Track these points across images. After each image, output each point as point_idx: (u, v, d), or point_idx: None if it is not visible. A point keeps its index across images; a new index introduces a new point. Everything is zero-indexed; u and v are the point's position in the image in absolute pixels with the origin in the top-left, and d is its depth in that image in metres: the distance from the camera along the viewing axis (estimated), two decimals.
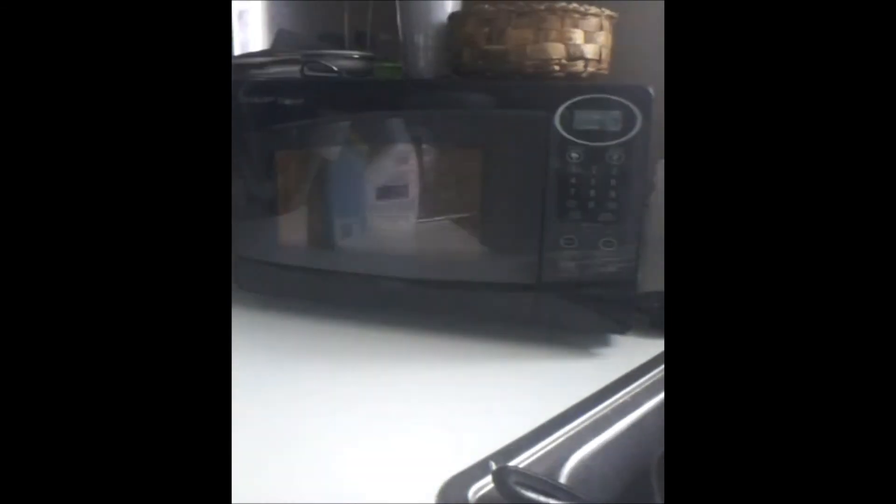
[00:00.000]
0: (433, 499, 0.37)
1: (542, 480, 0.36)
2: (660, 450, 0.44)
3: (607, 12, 0.59)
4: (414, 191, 0.61)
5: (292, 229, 0.65)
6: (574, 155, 0.54)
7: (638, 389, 0.50)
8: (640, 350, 0.57)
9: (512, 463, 0.39)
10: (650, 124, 0.52)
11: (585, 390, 0.49)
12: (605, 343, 0.59)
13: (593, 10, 0.58)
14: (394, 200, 0.62)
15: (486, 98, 0.57)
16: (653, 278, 0.65)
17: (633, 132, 0.52)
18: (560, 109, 0.53)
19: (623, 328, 0.56)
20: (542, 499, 0.34)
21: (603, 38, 0.60)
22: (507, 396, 0.50)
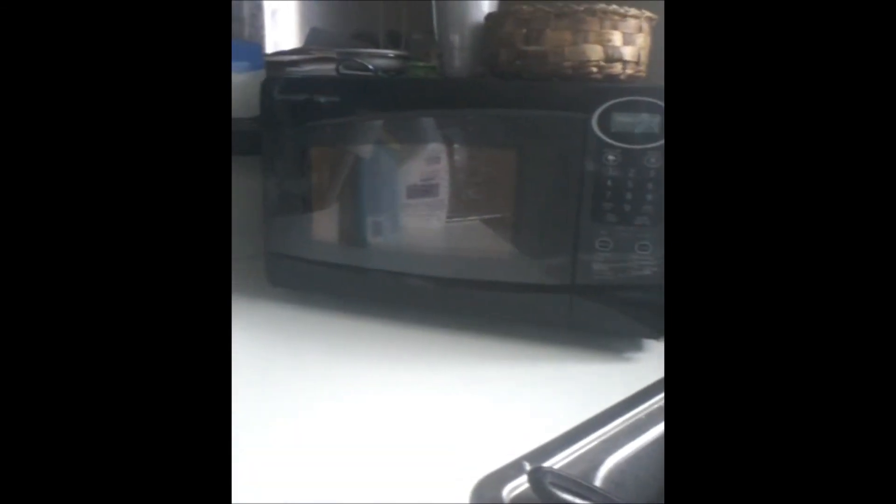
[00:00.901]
0: (467, 498, 0.37)
1: (577, 482, 0.36)
2: None
3: (647, 14, 0.58)
4: (446, 190, 0.61)
5: (324, 226, 0.66)
6: (611, 157, 0.53)
7: None
8: None
9: (546, 464, 0.39)
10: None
11: (618, 394, 0.48)
12: (638, 348, 0.58)
13: (632, 11, 0.57)
14: (425, 199, 0.62)
15: (523, 99, 0.56)
16: None
17: None
18: (598, 111, 0.53)
19: (657, 333, 0.56)
20: (578, 500, 0.34)
21: (641, 40, 0.59)
22: (539, 398, 0.50)
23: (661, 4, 0.59)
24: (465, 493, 0.37)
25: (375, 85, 0.65)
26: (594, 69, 0.57)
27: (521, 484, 0.37)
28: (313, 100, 0.62)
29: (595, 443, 0.42)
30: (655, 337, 0.56)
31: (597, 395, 0.48)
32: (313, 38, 0.89)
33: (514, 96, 0.57)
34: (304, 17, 1.04)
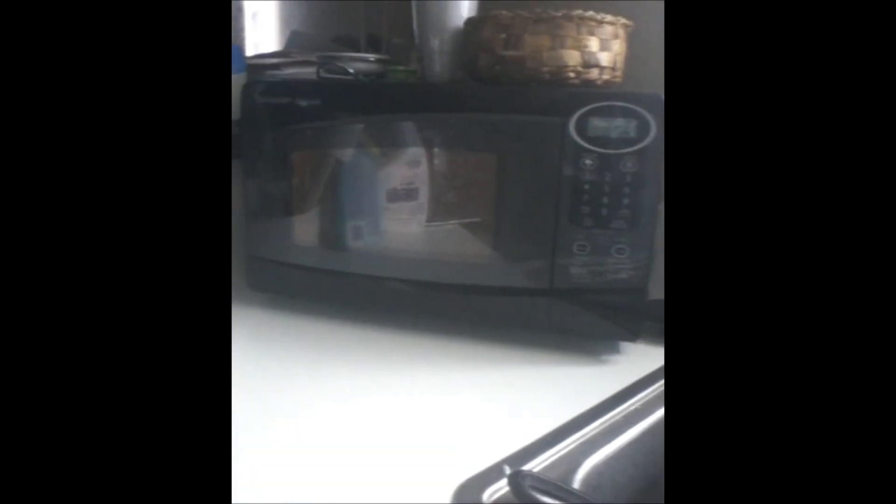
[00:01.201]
0: (448, 501, 0.37)
1: (557, 485, 0.36)
2: None
3: (622, 20, 0.59)
4: (425, 194, 0.62)
5: (305, 230, 0.65)
6: (588, 162, 0.54)
7: (649, 397, 0.50)
8: (649, 358, 0.57)
9: (526, 467, 0.39)
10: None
11: (595, 397, 0.49)
12: (615, 350, 0.59)
13: (609, 18, 0.58)
14: (405, 203, 0.62)
15: (502, 103, 0.57)
16: (663, 286, 0.65)
17: (648, 140, 0.53)
18: (575, 116, 0.54)
19: (633, 336, 0.57)
20: (556, 503, 0.34)
21: (618, 46, 0.60)
22: (517, 401, 0.50)
23: (638, 12, 0.60)
24: (446, 497, 0.37)
25: (356, 89, 0.65)
26: (572, 74, 0.58)
27: (501, 487, 0.37)
28: (294, 103, 0.62)
29: (573, 445, 0.43)
30: (632, 339, 0.57)
31: (575, 397, 0.49)
32: (294, 42, 0.89)
33: (493, 101, 0.57)
34: (285, 19, 1.03)
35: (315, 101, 0.61)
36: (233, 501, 0.33)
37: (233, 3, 0.96)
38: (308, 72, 0.73)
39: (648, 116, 0.52)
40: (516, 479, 0.35)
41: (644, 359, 0.57)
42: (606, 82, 0.60)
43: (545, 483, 0.36)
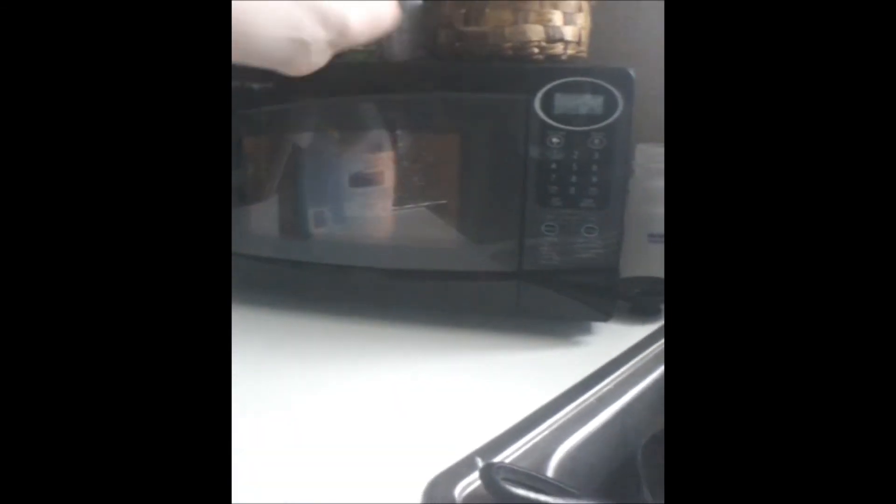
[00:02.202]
0: (419, 498, 0.35)
1: (530, 475, 0.35)
2: (646, 435, 0.44)
3: None
4: (389, 178, 0.59)
5: (262, 219, 0.63)
6: (555, 140, 0.52)
7: (622, 377, 0.49)
8: (622, 337, 0.56)
9: (499, 458, 0.38)
10: (632, 108, 0.51)
11: (569, 380, 0.48)
12: (587, 331, 0.58)
13: None
14: (368, 188, 0.60)
15: (464, 81, 0.55)
16: (633, 264, 0.64)
17: (615, 116, 0.51)
18: (540, 93, 0.52)
19: (605, 315, 0.56)
20: (531, 495, 0.33)
21: (581, 19, 0.58)
22: (489, 388, 0.49)
23: None
24: (416, 495, 0.36)
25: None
26: (535, 49, 0.56)
27: (473, 481, 0.36)
28: (245, 86, 0.59)
29: (547, 432, 0.42)
30: (604, 319, 0.56)
31: (549, 380, 0.48)
32: None
33: (454, 79, 0.55)
34: None
35: (267, 83, 0.58)
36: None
37: None
38: None
39: (616, 91, 0.51)
40: (488, 473, 0.33)
41: (617, 338, 0.56)
42: (571, 57, 0.58)
43: (518, 474, 0.34)
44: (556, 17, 0.56)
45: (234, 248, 0.63)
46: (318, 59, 0.48)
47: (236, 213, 0.62)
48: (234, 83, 0.59)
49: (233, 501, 0.31)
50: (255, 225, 0.63)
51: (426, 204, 0.58)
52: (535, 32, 0.56)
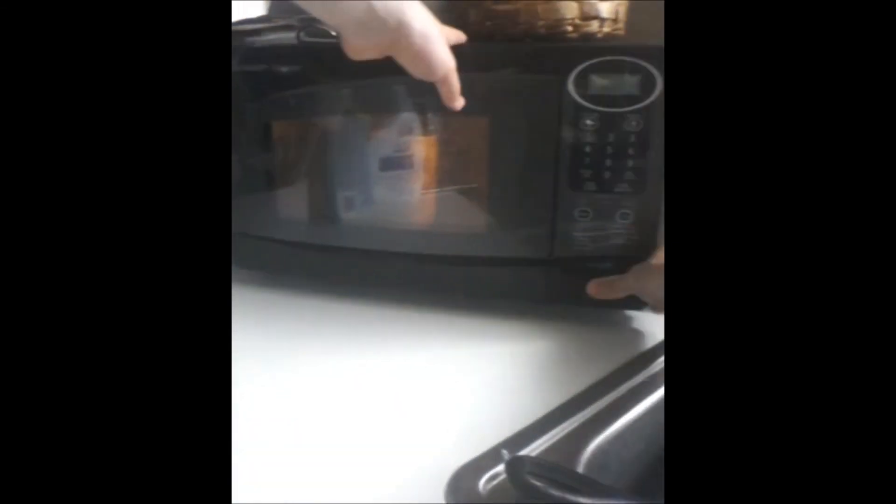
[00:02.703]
0: (441, 489, 0.35)
1: (558, 470, 0.34)
2: None
3: None
4: (418, 161, 0.58)
5: (292, 204, 0.62)
6: (589, 122, 0.50)
7: (656, 369, 0.47)
8: (656, 327, 0.54)
9: (525, 450, 0.37)
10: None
11: (600, 370, 0.47)
12: (620, 320, 0.56)
13: None
14: (397, 171, 0.59)
15: (495, 61, 0.53)
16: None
17: (653, 97, 0.49)
18: (574, 73, 0.50)
19: (639, 304, 0.54)
20: (556, 492, 0.32)
21: None
22: (518, 377, 0.48)
23: None
24: (440, 485, 0.35)
25: (340, 52, 0.61)
26: (569, 28, 0.54)
27: (499, 474, 0.35)
28: (274, 70, 0.59)
29: (577, 424, 0.40)
30: (638, 308, 0.54)
31: (579, 370, 0.46)
32: (276, 7, 0.85)
33: (485, 59, 0.53)
34: None
35: (296, 67, 0.58)
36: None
37: None
38: (289, 37, 0.69)
39: (654, 71, 0.49)
40: (514, 467, 0.32)
41: (651, 328, 0.54)
42: (608, 35, 0.56)
43: (545, 468, 0.33)
44: None
45: (263, 233, 0.63)
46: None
47: (265, 197, 0.62)
48: (262, 67, 0.59)
49: (231, 502, 0.31)
50: (284, 210, 0.63)
51: (455, 188, 0.57)
52: (570, 9, 0.53)
